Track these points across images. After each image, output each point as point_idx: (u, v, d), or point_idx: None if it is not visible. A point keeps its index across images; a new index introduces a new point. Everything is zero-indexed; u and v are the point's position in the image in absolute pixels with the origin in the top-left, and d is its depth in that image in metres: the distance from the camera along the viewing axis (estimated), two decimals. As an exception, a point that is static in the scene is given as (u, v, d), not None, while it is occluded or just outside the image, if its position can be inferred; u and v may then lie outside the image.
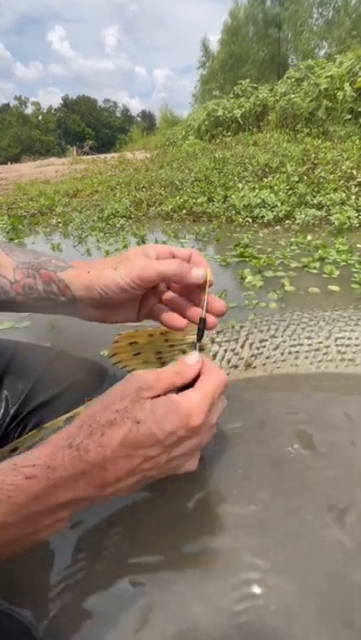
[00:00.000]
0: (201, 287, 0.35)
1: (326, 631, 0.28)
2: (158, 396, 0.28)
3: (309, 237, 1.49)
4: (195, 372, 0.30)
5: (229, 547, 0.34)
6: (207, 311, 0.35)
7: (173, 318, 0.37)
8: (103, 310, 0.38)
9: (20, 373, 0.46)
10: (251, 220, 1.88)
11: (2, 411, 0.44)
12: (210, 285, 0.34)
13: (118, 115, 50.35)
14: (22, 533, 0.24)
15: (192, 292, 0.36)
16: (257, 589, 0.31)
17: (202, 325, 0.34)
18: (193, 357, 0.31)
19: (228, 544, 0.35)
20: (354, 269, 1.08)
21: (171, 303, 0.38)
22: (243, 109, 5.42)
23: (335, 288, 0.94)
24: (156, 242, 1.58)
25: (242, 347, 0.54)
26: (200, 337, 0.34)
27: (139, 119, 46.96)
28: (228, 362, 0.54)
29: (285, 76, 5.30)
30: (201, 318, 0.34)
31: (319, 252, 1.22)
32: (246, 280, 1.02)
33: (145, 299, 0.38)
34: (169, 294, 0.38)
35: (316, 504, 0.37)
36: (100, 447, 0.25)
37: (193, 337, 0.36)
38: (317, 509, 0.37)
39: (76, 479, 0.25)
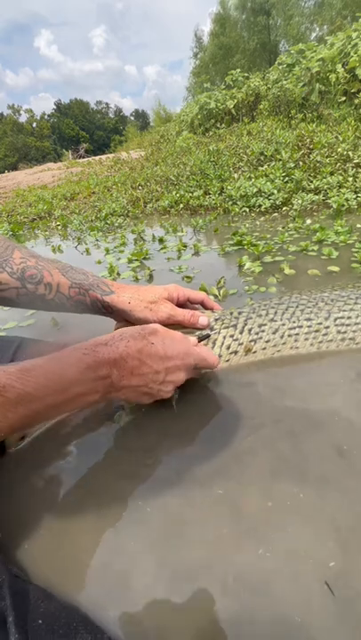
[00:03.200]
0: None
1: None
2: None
3: (308, 222, 1.47)
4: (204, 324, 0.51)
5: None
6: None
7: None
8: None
9: None
10: (248, 210, 1.87)
11: None
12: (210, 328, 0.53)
13: (111, 116, 50.29)
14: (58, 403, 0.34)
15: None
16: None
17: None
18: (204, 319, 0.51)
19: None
20: (354, 249, 1.08)
21: None
22: (235, 100, 5.37)
23: (335, 268, 0.94)
24: (154, 238, 1.58)
25: (241, 332, 0.54)
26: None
27: (132, 119, 46.82)
28: (228, 348, 0.54)
29: (277, 63, 5.23)
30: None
31: (318, 234, 1.21)
32: (245, 267, 1.02)
33: None
34: None
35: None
36: (126, 347, 0.37)
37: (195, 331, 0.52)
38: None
39: (109, 364, 0.36)
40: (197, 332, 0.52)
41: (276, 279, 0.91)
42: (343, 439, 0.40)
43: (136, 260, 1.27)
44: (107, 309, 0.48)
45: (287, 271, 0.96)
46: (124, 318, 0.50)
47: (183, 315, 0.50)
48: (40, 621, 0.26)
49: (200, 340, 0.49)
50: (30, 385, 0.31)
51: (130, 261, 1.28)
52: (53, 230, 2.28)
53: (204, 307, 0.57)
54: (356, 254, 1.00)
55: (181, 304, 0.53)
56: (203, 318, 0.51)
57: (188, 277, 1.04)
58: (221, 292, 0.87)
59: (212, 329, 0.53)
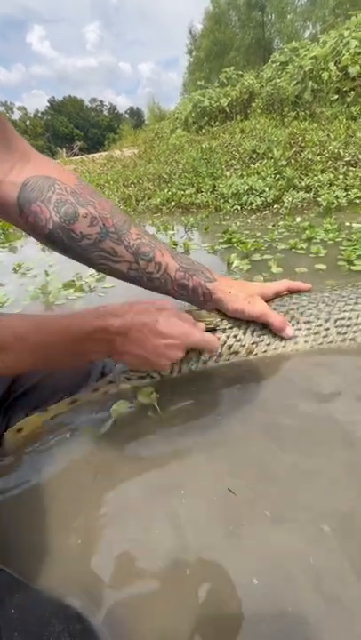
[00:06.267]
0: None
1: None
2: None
3: (298, 219, 1.48)
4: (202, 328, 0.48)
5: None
6: None
7: None
8: None
9: None
10: (239, 208, 1.87)
11: None
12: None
13: (106, 113, 49.95)
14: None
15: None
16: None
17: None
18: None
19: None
20: (341, 247, 1.08)
21: None
22: (229, 98, 5.36)
23: (322, 266, 0.94)
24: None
25: (244, 333, 0.54)
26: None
27: (127, 116, 46.54)
28: (230, 348, 0.54)
29: (270, 61, 5.23)
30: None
31: (306, 232, 1.21)
32: (233, 265, 1.02)
33: None
34: None
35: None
36: (132, 320, 0.41)
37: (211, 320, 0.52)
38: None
39: (115, 331, 0.41)
40: (208, 320, 0.53)
41: (262, 277, 0.91)
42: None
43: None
44: (206, 297, 0.49)
45: (275, 269, 0.96)
46: (218, 308, 0.51)
47: (275, 317, 0.51)
48: (13, 611, 0.26)
49: (207, 330, 0.50)
50: (44, 336, 0.38)
51: (119, 260, 1.28)
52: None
53: (291, 292, 0.57)
54: (343, 252, 1.01)
55: (269, 299, 0.55)
56: (290, 330, 0.52)
57: (176, 276, 1.04)
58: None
59: (217, 326, 0.54)
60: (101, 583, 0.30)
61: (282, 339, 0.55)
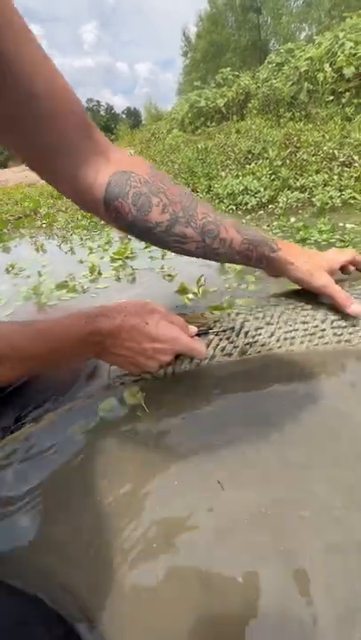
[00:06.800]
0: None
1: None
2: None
3: (293, 220, 1.48)
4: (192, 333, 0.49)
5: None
6: None
7: None
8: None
9: None
10: (235, 208, 1.87)
11: None
12: None
13: (103, 114, 49.81)
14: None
15: None
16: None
17: None
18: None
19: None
20: (335, 248, 1.08)
21: None
22: (225, 98, 5.36)
23: (315, 267, 0.94)
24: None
25: (237, 335, 0.54)
26: None
27: (124, 116, 46.48)
28: (223, 350, 0.53)
29: (266, 61, 5.24)
30: None
31: (301, 232, 1.21)
32: (226, 265, 1.02)
33: None
34: None
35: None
36: (122, 322, 0.43)
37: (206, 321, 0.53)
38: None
39: (104, 333, 0.42)
40: (200, 322, 0.53)
41: (254, 277, 0.91)
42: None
43: (119, 259, 1.26)
44: (269, 266, 0.50)
45: (268, 269, 0.96)
46: (281, 274, 0.52)
47: (339, 292, 0.50)
48: None
49: (199, 333, 0.50)
50: (38, 346, 0.39)
51: (113, 260, 1.27)
52: (39, 229, 2.24)
53: (355, 266, 0.56)
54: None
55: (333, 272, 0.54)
56: (356, 306, 0.51)
57: (169, 276, 1.03)
58: (201, 289, 0.86)
59: (210, 328, 0.53)
60: (84, 584, 0.30)
61: (278, 339, 0.54)
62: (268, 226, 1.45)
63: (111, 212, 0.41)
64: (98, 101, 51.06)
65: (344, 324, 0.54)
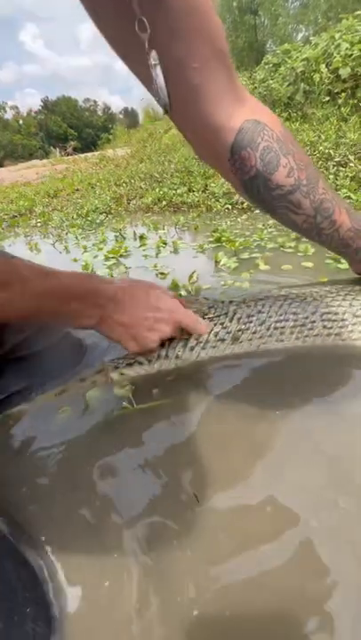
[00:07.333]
0: None
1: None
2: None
3: (288, 219, 1.48)
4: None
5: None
6: None
7: None
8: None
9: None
10: (230, 207, 1.86)
11: None
12: None
13: (100, 113, 49.75)
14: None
15: None
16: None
17: None
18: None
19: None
20: (329, 246, 1.08)
21: None
22: (222, 98, 5.36)
23: (309, 264, 0.94)
24: (135, 234, 1.56)
25: (230, 320, 0.54)
26: None
27: (121, 117, 46.44)
28: (216, 335, 0.54)
29: (263, 62, 5.24)
30: None
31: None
32: (221, 262, 1.01)
33: None
34: None
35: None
36: (123, 289, 0.44)
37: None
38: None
39: (107, 296, 0.42)
40: (194, 307, 0.54)
41: (249, 274, 0.90)
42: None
43: (113, 257, 1.25)
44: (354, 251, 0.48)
45: (262, 267, 0.95)
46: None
47: None
48: None
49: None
50: (44, 285, 0.38)
51: (107, 259, 1.26)
52: (34, 228, 2.23)
53: None
54: (330, 250, 1.00)
55: None
56: None
57: (162, 274, 1.02)
58: (194, 286, 0.85)
59: (204, 314, 0.54)
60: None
61: (268, 328, 0.55)
62: (263, 225, 1.45)
63: (235, 160, 0.38)
64: (95, 101, 51.03)
65: (333, 317, 0.55)
